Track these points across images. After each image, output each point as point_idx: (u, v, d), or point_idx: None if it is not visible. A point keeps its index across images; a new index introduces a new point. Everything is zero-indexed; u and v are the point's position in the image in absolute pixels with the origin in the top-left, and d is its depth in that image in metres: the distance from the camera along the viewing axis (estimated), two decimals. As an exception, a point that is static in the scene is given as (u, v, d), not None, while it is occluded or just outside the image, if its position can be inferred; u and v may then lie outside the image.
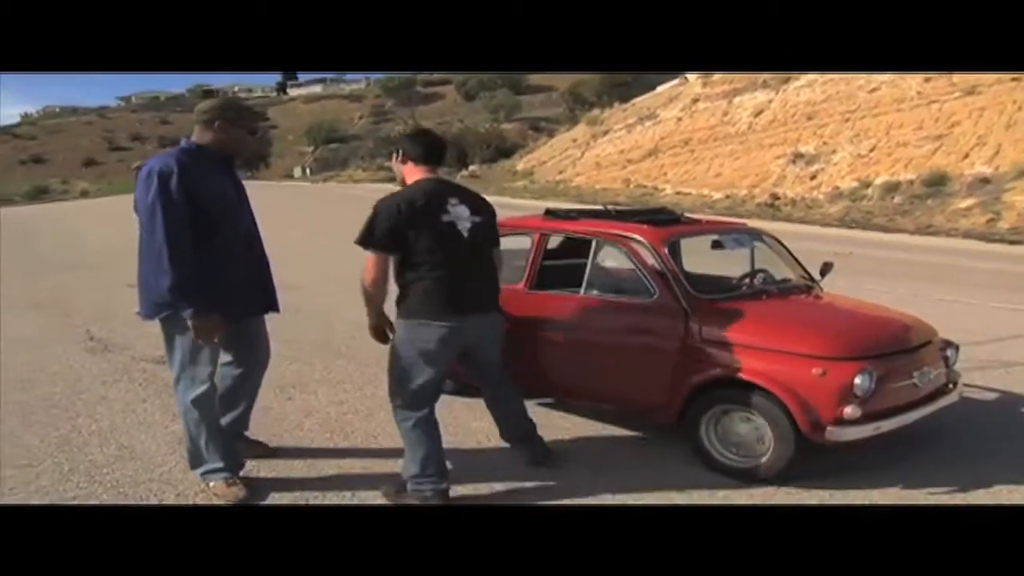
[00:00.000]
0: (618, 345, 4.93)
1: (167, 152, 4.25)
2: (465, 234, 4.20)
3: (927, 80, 25.25)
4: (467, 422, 5.48)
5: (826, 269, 5.91)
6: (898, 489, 4.46)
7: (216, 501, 4.30)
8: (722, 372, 4.61)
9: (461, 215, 4.21)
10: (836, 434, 4.35)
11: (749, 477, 4.57)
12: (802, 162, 26.51)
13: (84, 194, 57.23)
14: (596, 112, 46.72)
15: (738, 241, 5.79)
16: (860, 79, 27.97)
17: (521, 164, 46.39)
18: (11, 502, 4.27)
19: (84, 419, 5.58)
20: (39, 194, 57.57)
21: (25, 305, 10.23)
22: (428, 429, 4.24)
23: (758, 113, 31.82)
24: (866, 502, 4.29)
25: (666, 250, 5.11)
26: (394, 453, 4.61)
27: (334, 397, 6.08)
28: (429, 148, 4.38)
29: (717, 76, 36.56)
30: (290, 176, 74.32)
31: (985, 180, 20.07)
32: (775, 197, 25.12)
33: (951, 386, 5.08)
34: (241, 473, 4.49)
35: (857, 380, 4.34)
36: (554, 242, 6.10)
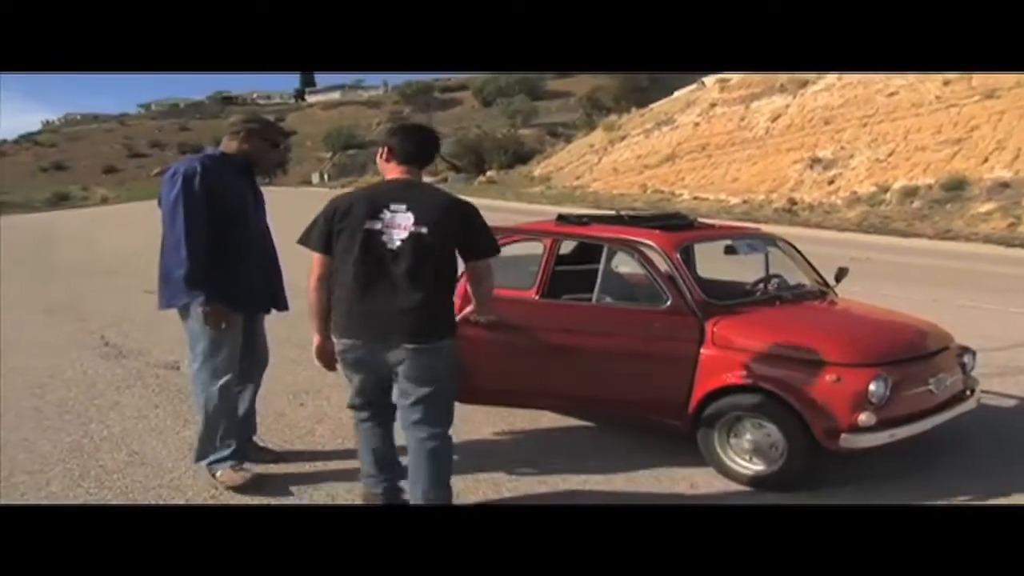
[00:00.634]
0: (630, 352, 4.84)
1: (193, 156, 4.59)
2: (393, 244, 3.65)
3: (946, 84, 25.12)
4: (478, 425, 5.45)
5: (841, 274, 5.87)
6: (913, 497, 4.39)
7: (224, 488, 4.47)
8: (735, 379, 4.57)
9: (398, 223, 3.66)
10: (850, 441, 4.30)
11: (762, 485, 4.52)
12: (820, 167, 26.39)
13: (104, 201, 57.59)
14: (613, 117, 46.67)
15: (751, 246, 5.75)
16: (878, 83, 27.85)
17: (538, 170, 46.36)
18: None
19: (96, 425, 5.59)
20: (60, 201, 57.99)
21: (42, 310, 10.28)
22: (368, 431, 4.08)
23: (775, 118, 31.71)
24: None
25: (678, 256, 5.07)
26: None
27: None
28: (411, 147, 3.88)
29: (734, 81, 36.49)
30: (308, 182, 74.54)
31: (1005, 184, 19.92)
32: (792, 202, 25.01)
33: (968, 393, 5.02)
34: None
35: (872, 387, 4.29)
36: (566, 248, 6.08)
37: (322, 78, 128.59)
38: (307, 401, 6.11)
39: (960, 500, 4.35)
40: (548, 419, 5.62)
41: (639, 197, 31.78)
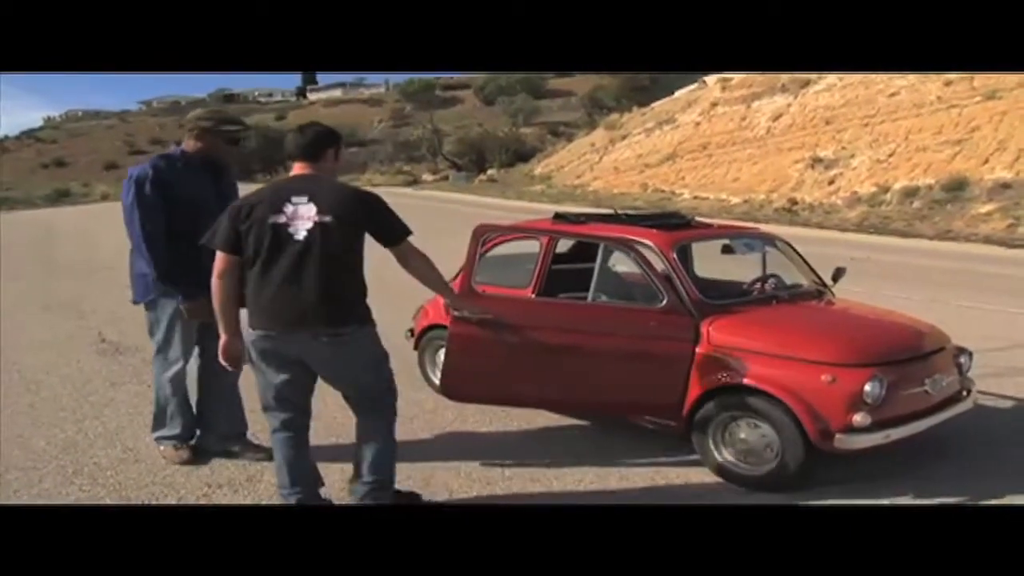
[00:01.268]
0: (625, 352, 4.80)
1: (148, 159, 4.78)
2: (299, 235, 3.73)
3: (947, 84, 25.05)
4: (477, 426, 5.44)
5: (838, 274, 5.86)
6: (908, 498, 4.39)
7: (165, 462, 4.86)
8: (730, 378, 4.56)
9: (301, 214, 3.74)
10: (845, 442, 4.29)
11: (757, 485, 4.51)
12: (820, 167, 26.33)
13: (104, 197, 57.35)
14: (615, 116, 46.56)
15: (749, 246, 5.73)
16: (879, 84, 27.79)
17: (539, 168, 46.30)
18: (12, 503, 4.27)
19: (91, 421, 5.59)
20: (60, 197, 57.79)
21: (41, 306, 10.29)
22: (281, 440, 4.04)
23: (777, 117, 31.64)
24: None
25: (675, 255, 5.06)
26: (399, 453, 4.57)
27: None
28: (301, 143, 3.97)
29: (736, 80, 36.42)
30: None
31: (1006, 185, 19.86)
32: (793, 202, 24.95)
33: (965, 393, 5.00)
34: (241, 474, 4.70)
35: (867, 387, 4.28)
36: (563, 247, 6.07)
37: (324, 76, 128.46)
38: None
39: (953, 500, 4.34)
40: (544, 417, 5.61)
41: (640, 196, 31.73)
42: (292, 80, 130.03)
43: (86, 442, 5.19)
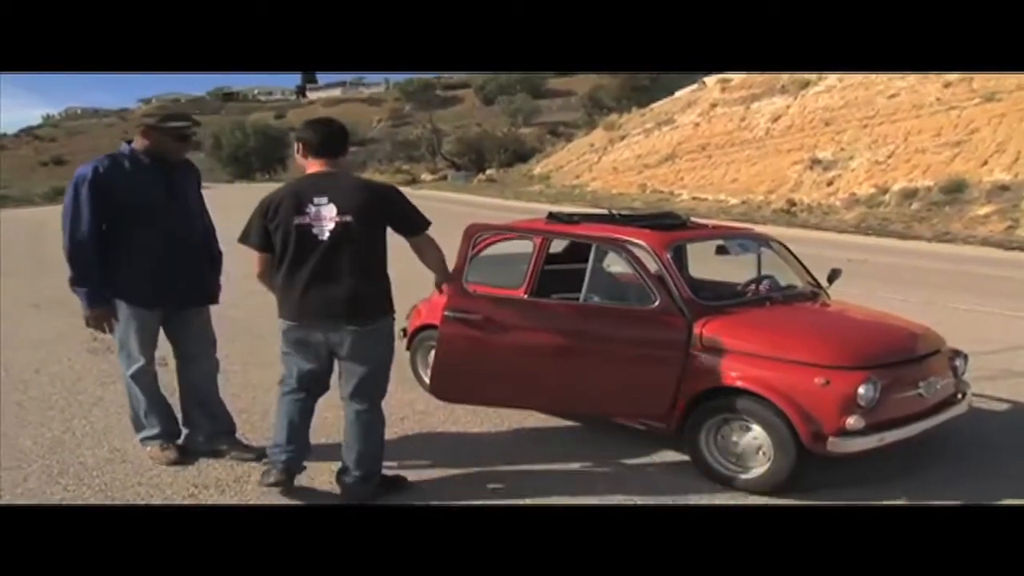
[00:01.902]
0: (617, 353, 4.73)
1: (94, 159, 4.71)
2: (323, 236, 3.95)
3: (947, 86, 25.05)
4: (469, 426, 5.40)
5: (834, 276, 5.82)
6: (902, 502, 4.35)
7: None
8: (722, 381, 4.51)
9: (323, 215, 3.95)
10: (838, 445, 4.24)
11: (748, 488, 4.46)
12: (819, 168, 26.31)
13: (103, 195, 57.40)
14: (614, 117, 46.49)
15: (743, 246, 5.69)
16: (879, 85, 27.78)
17: (538, 168, 46.24)
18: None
19: (79, 421, 5.55)
20: (59, 195, 57.66)
21: (34, 304, 10.23)
22: (289, 404, 4.32)
23: (776, 118, 31.61)
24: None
25: (668, 255, 5.02)
26: (390, 454, 4.58)
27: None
28: (321, 139, 4.14)
29: (736, 81, 36.41)
30: (307, 178, 74.38)
31: (1004, 187, 19.84)
32: (791, 203, 24.93)
33: (960, 396, 4.96)
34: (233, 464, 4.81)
35: (860, 390, 4.23)
36: (557, 247, 6.02)
37: (323, 75, 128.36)
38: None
39: (947, 502, 4.30)
40: (535, 418, 5.57)
41: (638, 197, 31.70)
42: (292, 79, 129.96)
43: (73, 442, 5.15)
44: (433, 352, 5.00)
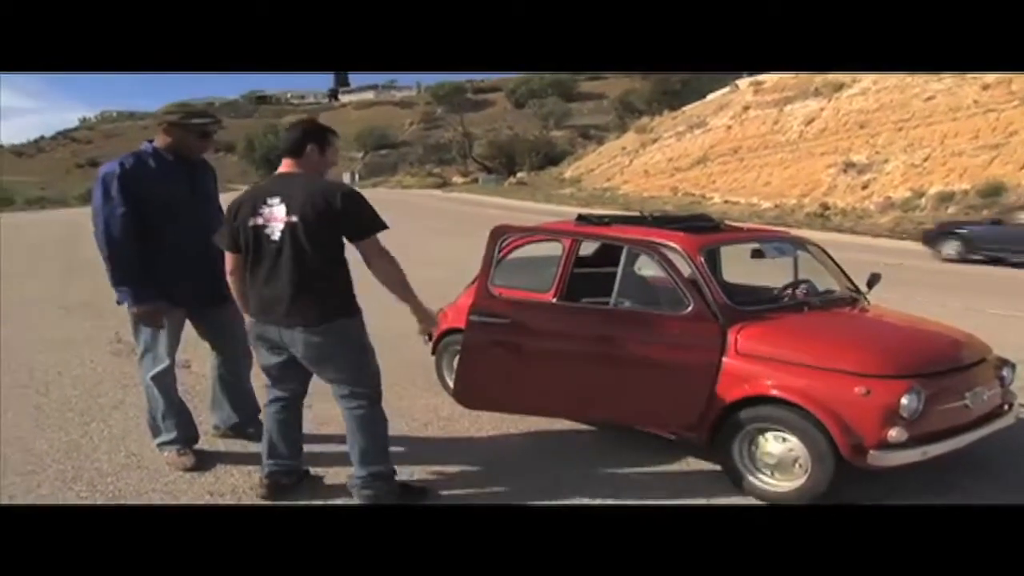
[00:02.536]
0: (648, 360, 4.55)
1: (120, 157, 4.63)
2: (275, 236, 3.90)
3: (985, 88, 24.69)
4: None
5: (873, 280, 5.64)
6: (908, 503, 4.18)
7: (170, 468, 4.69)
8: (757, 389, 4.34)
9: (275, 216, 3.89)
10: (879, 458, 4.05)
11: (782, 501, 4.28)
12: (853, 171, 26.03)
13: (137, 197, 58.08)
14: (646, 120, 46.42)
15: (779, 250, 5.51)
16: (915, 88, 27.45)
17: (569, 171, 46.21)
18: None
19: (97, 424, 5.46)
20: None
21: (61, 306, 10.26)
22: (269, 419, 4.30)
23: (809, 121, 31.34)
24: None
25: (702, 259, 4.85)
26: (406, 459, 4.56)
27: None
28: (284, 140, 4.14)
29: (768, 84, 36.16)
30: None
31: (1044, 191, 19.51)
32: (825, 207, 24.68)
33: (1006, 407, 4.75)
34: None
35: (904, 400, 4.04)
36: (587, 250, 5.88)
37: (356, 78, 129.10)
38: (314, 404, 5.88)
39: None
40: (560, 425, 5.43)
41: (669, 200, 31.53)
42: (325, 82, 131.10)
43: (90, 446, 5.05)
44: (458, 357, 4.87)
